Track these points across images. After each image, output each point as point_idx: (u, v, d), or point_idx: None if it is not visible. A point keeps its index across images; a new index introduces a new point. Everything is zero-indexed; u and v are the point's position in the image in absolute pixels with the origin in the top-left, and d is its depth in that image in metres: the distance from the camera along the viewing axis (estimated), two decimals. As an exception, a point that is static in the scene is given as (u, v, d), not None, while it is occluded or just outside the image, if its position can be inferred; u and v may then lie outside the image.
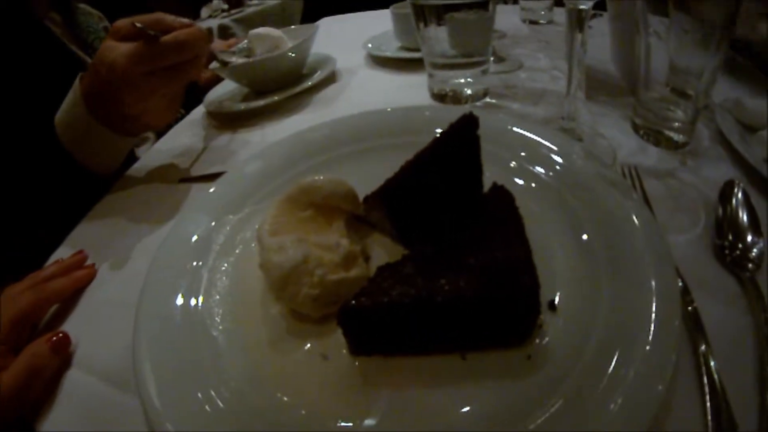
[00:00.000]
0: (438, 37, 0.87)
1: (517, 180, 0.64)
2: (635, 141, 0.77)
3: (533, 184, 0.64)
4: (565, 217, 0.58)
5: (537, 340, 0.45)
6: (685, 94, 0.74)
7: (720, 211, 0.60)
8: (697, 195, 0.65)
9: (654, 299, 0.45)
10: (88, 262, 0.67)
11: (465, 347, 0.45)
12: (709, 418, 0.39)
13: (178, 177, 0.85)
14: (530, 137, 0.70)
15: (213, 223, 0.64)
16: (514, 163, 0.67)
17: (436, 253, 0.48)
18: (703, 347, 0.44)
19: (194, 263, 0.59)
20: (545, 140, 0.69)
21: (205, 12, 3.26)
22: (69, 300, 0.62)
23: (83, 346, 0.55)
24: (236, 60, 1.08)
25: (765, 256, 0.54)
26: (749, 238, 0.57)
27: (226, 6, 3.26)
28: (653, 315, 0.43)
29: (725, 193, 0.62)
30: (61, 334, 0.53)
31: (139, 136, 1.13)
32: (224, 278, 0.58)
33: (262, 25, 1.19)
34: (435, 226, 0.50)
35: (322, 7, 2.00)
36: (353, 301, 0.44)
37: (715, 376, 0.42)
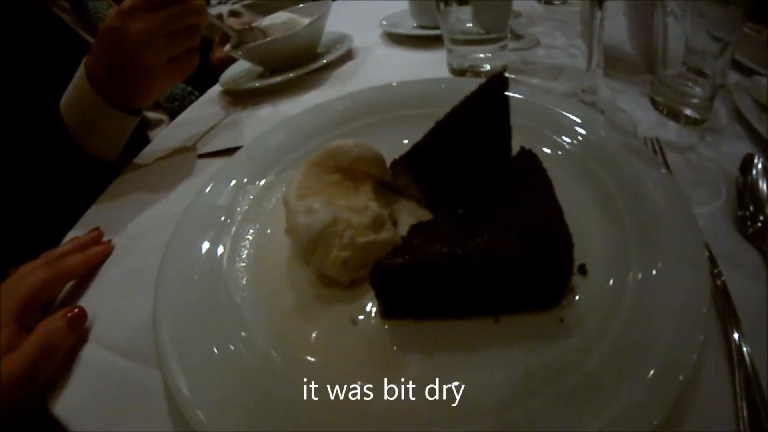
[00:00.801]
0: (459, 14, 0.88)
1: (543, 148, 0.64)
2: (655, 116, 0.77)
3: (559, 152, 0.64)
4: (592, 184, 0.58)
5: (568, 304, 0.45)
6: (702, 73, 0.74)
7: (741, 182, 0.61)
8: (717, 169, 0.65)
9: (683, 268, 0.45)
10: (105, 239, 0.67)
11: (497, 310, 0.45)
12: (738, 388, 0.40)
13: (194, 154, 0.85)
14: (553, 108, 0.70)
15: (236, 192, 0.64)
16: (538, 132, 0.67)
17: (467, 214, 0.48)
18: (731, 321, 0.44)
19: (217, 230, 0.59)
20: (568, 111, 0.69)
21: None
22: (85, 277, 0.62)
23: (100, 321, 0.55)
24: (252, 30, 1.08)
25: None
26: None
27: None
28: (683, 284, 0.43)
29: (746, 165, 0.62)
30: (76, 309, 0.53)
31: (148, 117, 1.13)
32: (248, 245, 0.58)
33: (273, 11, 1.19)
34: (463, 189, 0.50)
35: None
36: (387, 260, 0.44)
37: (745, 350, 0.42)
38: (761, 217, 0.57)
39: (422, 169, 0.55)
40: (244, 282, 0.53)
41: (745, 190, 0.60)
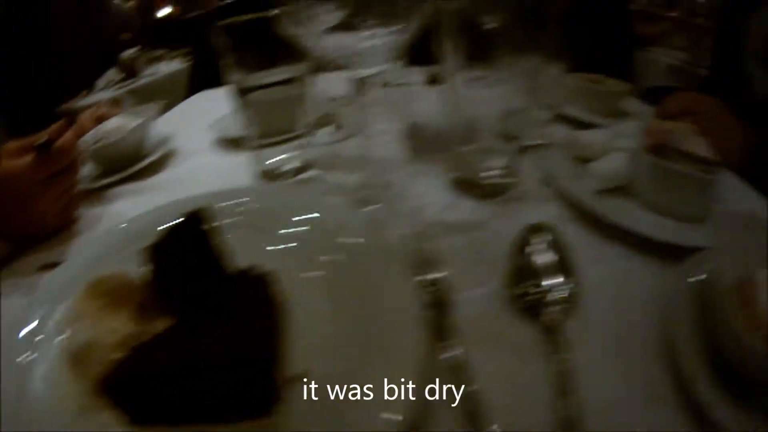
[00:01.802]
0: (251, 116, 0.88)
1: (284, 259, 0.65)
2: (450, 196, 0.78)
3: (303, 263, 0.65)
4: (328, 291, 0.60)
5: (283, 412, 0.47)
6: (512, 138, 0.76)
7: (519, 256, 0.62)
8: (505, 244, 0.65)
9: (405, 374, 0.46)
10: None
11: (221, 417, 0.47)
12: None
13: (33, 267, 0.83)
14: (311, 212, 0.73)
15: (40, 313, 0.65)
16: (285, 239, 0.70)
17: (185, 329, 0.53)
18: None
19: (22, 353, 0.59)
20: (330, 212, 0.72)
21: (101, 82, 3.19)
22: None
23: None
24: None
25: (575, 297, 0.57)
26: (549, 281, 0.59)
27: (122, 75, 3.20)
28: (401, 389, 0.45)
29: (525, 238, 0.65)
30: None
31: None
32: (44, 363, 0.58)
33: (153, 96, 1.20)
34: (190, 308, 0.55)
35: (211, 78, 1.91)
36: (104, 375, 0.49)
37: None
38: (537, 290, 0.58)
39: (160, 290, 0.59)
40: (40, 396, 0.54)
41: (522, 264, 0.61)
